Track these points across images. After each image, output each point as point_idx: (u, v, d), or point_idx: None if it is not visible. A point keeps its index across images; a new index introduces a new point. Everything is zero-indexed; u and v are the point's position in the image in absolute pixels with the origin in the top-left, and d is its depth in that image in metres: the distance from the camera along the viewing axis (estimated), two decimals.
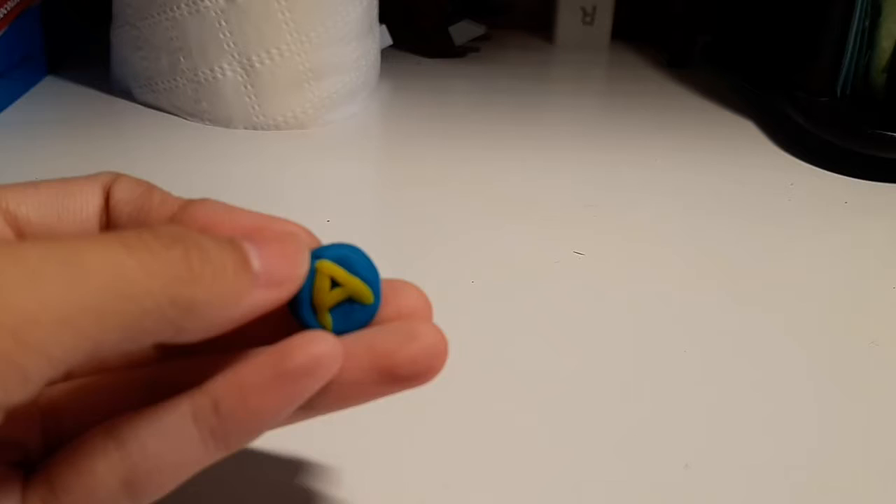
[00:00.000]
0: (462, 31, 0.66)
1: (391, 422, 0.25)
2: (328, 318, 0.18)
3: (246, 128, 0.48)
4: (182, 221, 0.18)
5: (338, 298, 0.18)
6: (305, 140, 0.48)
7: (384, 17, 0.55)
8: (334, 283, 0.18)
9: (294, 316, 0.18)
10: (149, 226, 0.16)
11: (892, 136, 0.44)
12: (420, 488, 0.23)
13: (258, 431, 0.17)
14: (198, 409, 0.16)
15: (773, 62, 0.53)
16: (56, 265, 0.13)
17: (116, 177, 0.19)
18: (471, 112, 0.54)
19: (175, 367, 0.19)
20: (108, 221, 0.19)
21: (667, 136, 0.50)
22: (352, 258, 0.19)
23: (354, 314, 0.19)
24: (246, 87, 0.47)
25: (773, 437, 0.26)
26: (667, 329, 0.31)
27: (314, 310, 0.18)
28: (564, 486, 0.23)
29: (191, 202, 0.19)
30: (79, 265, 0.14)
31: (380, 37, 0.55)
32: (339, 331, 0.18)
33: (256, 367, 0.16)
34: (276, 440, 0.24)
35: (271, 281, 0.17)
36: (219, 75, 0.47)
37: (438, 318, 0.31)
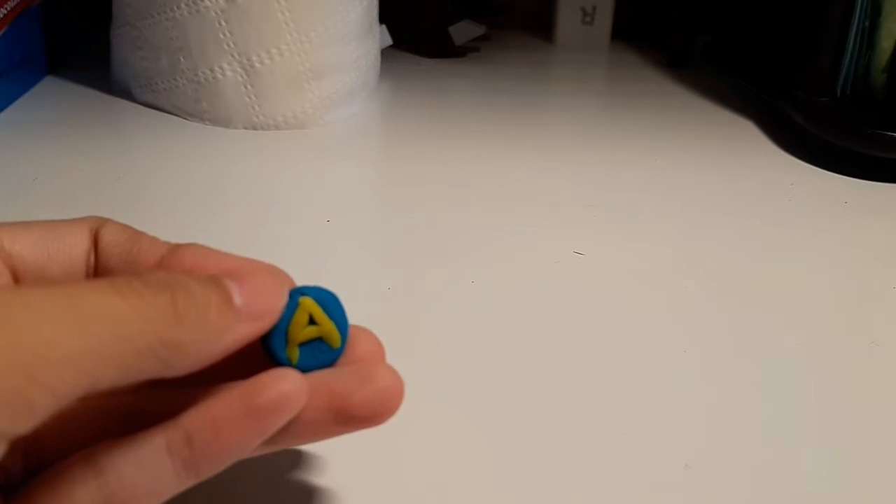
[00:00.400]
0: (462, 31, 0.66)
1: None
2: (296, 353, 0.19)
3: (246, 128, 0.48)
4: (170, 264, 0.20)
5: (309, 336, 0.19)
6: (305, 140, 0.48)
7: (384, 17, 0.55)
8: (310, 321, 0.19)
9: (263, 345, 0.19)
10: (138, 274, 0.17)
11: (892, 136, 0.44)
12: (417, 487, 0.23)
13: (227, 462, 0.18)
14: (171, 441, 0.17)
15: (773, 62, 0.53)
16: (61, 310, 0.15)
17: (104, 221, 0.21)
18: (471, 112, 0.54)
19: (150, 398, 0.20)
20: (98, 263, 0.20)
21: (667, 136, 0.50)
22: (329, 302, 0.20)
23: (320, 355, 0.20)
24: (246, 87, 0.47)
25: (774, 437, 0.26)
26: (667, 329, 0.31)
27: (285, 342, 0.19)
28: (564, 486, 0.23)
29: (178, 246, 0.20)
30: (80, 310, 0.15)
31: (380, 37, 0.55)
32: (302, 367, 0.19)
33: (227, 402, 0.18)
34: None
35: (253, 315, 0.18)
36: (219, 75, 0.47)
37: (439, 319, 0.31)
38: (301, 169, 0.44)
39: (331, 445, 0.24)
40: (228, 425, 0.17)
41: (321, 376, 0.19)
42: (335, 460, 0.24)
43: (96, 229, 0.21)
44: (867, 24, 0.47)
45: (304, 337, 0.19)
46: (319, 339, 0.20)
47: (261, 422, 0.18)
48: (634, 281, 0.34)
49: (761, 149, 0.49)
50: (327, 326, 0.20)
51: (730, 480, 0.24)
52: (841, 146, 0.46)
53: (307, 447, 0.24)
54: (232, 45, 0.46)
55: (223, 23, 0.46)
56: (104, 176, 0.42)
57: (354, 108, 0.52)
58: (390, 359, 0.29)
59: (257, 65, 0.47)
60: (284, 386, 0.18)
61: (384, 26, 0.56)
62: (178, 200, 0.40)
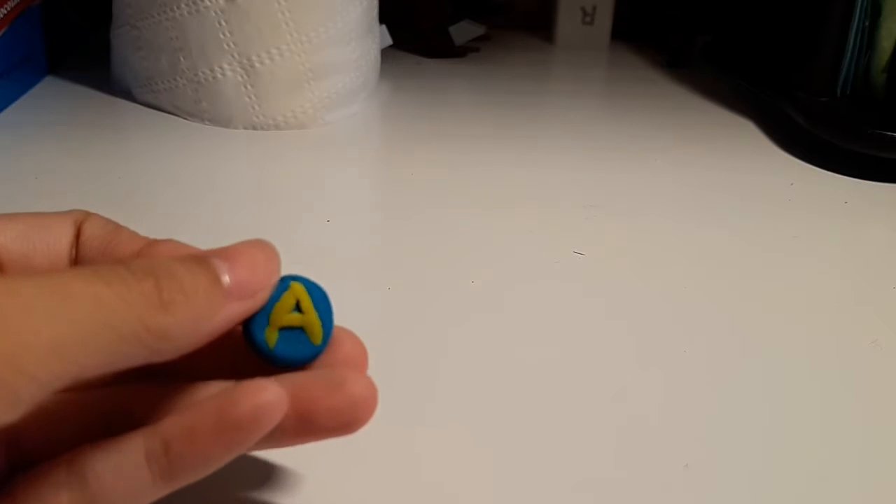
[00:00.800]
0: (462, 31, 0.66)
1: (381, 423, 0.25)
2: (275, 336, 0.19)
3: (246, 128, 0.48)
4: (147, 257, 0.20)
5: (292, 322, 0.19)
6: (305, 140, 0.48)
7: (384, 17, 0.55)
8: (296, 308, 0.19)
9: (243, 324, 0.19)
10: (123, 261, 0.17)
11: (892, 136, 0.44)
12: (416, 485, 0.23)
13: (205, 472, 0.18)
14: (150, 449, 0.17)
15: (772, 62, 0.53)
16: (46, 299, 0.15)
17: (87, 215, 0.21)
18: (471, 112, 0.54)
19: (129, 394, 0.19)
20: (78, 255, 0.20)
21: (667, 137, 0.50)
22: (317, 295, 0.19)
23: (299, 346, 0.19)
24: (246, 87, 0.47)
25: (774, 436, 0.26)
26: (667, 329, 0.31)
27: (267, 321, 0.19)
28: (564, 486, 0.23)
29: (156, 241, 0.20)
30: (66, 298, 0.15)
31: (380, 37, 0.55)
32: (278, 354, 0.19)
33: (204, 413, 0.17)
34: None
35: (243, 294, 0.18)
36: (219, 75, 0.47)
37: (439, 319, 0.31)
38: (301, 169, 0.44)
39: (329, 443, 0.24)
40: (203, 437, 0.17)
41: (290, 378, 0.18)
42: (334, 457, 0.24)
43: (80, 222, 0.21)
44: (867, 24, 0.47)
45: (287, 322, 0.19)
46: (301, 330, 0.19)
47: (235, 435, 0.17)
48: (634, 281, 0.34)
49: (761, 149, 0.49)
50: (311, 317, 0.19)
51: (730, 480, 0.24)
52: (841, 146, 0.46)
53: (305, 449, 0.24)
54: (232, 45, 0.46)
55: (223, 23, 0.46)
56: (104, 176, 0.42)
57: (354, 108, 0.52)
58: (390, 359, 0.29)
59: (257, 65, 0.47)
60: (261, 399, 0.17)
61: (384, 26, 0.56)
62: (178, 200, 0.40)
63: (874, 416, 0.27)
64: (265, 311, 0.19)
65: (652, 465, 0.24)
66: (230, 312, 0.17)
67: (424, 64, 0.63)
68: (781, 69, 0.51)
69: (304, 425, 0.18)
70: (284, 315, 0.19)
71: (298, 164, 0.44)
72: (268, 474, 0.23)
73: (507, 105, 0.55)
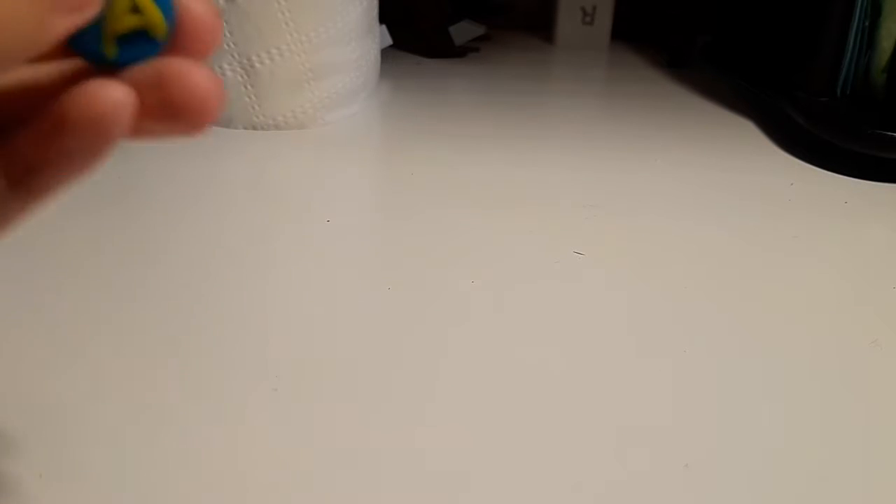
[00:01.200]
0: (462, 31, 0.66)
1: (382, 422, 0.25)
2: (114, 48, 0.17)
3: (246, 128, 0.48)
4: None
5: (130, 26, 0.17)
6: (305, 140, 0.48)
7: (384, 17, 0.55)
8: (132, 9, 0.17)
9: (71, 40, 0.16)
10: None
11: (892, 136, 0.44)
12: (416, 484, 0.23)
13: (68, 184, 0.17)
14: (6, 165, 0.17)
15: (772, 62, 0.53)
16: None
17: None
18: (471, 112, 0.54)
19: None
20: None
21: (667, 136, 0.50)
22: None
23: (140, 47, 0.17)
24: (246, 87, 0.47)
25: (774, 436, 0.26)
26: (667, 329, 0.31)
27: (101, 32, 0.17)
28: (564, 486, 0.23)
29: None
30: None
31: (380, 37, 0.55)
32: (121, 61, 0.17)
33: (48, 120, 0.16)
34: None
35: (72, 4, 0.15)
36: (218, 75, 0.47)
37: (439, 319, 0.31)
38: (301, 169, 0.44)
39: (329, 441, 0.24)
40: (49, 145, 0.16)
41: (125, 76, 0.17)
42: (334, 456, 0.24)
43: None
44: (867, 24, 0.47)
45: (124, 28, 0.17)
46: (143, 31, 0.17)
47: (81, 141, 0.16)
48: (634, 281, 0.34)
49: (761, 149, 0.49)
50: (153, 16, 0.17)
51: (730, 480, 0.24)
52: (841, 146, 0.46)
53: (304, 447, 0.24)
54: (232, 45, 0.46)
55: (223, 23, 0.46)
56: (103, 175, 0.42)
57: (354, 108, 0.52)
58: (391, 359, 0.29)
59: (257, 65, 0.47)
60: (102, 100, 0.16)
61: (384, 26, 0.56)
62: (178, 199, 0.40)
63: (874, 416, 0.27)
64: (96, 24, 0.16)
65: (652, 465, 0.24)
66: (56, 31, 0.15)
67: (424, 64, 0.63)
68: (781, 69, 0.51)
69: (142, 120, 0.17)
70: (119, 23, 0.17)
71: (298, 164, 0.44)
72: (264, 472, 0.23)
73: (507, 105, 0.55)
